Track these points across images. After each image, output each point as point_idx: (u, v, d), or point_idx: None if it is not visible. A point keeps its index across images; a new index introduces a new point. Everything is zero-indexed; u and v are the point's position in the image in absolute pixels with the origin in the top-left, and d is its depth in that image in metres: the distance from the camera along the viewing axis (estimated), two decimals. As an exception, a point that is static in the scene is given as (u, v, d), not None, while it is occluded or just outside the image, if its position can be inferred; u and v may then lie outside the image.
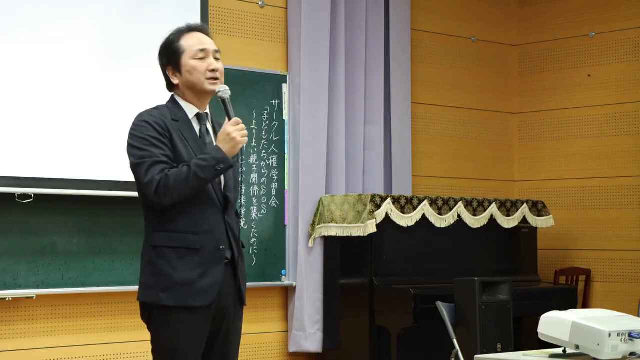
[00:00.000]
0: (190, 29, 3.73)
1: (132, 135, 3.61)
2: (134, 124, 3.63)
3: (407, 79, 7.40)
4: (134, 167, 3.59)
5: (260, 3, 6.73)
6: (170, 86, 3.73)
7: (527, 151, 8.12)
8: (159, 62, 3.75)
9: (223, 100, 3.65)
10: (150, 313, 3.61)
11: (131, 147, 3.60)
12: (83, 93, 5.74)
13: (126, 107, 5.74)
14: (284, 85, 6.77)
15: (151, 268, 3.60)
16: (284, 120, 6.76)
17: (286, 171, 6.75)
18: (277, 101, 6.74)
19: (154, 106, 3.72)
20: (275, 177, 6.72)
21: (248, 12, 6.68)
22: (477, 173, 7.94)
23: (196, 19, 5.93)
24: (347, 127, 7.04)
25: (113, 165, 5.71)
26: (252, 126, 6.62)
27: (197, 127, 3.69)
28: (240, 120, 3.60)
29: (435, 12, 7.76)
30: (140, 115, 3.66)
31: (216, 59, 3.68)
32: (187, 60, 3.65)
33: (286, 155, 6.76)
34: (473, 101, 7.95)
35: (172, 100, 3.72)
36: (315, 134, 6.78)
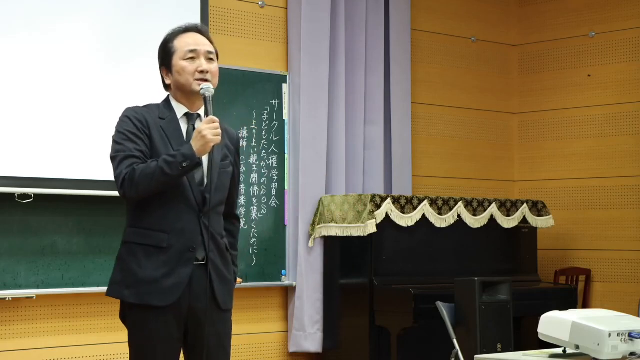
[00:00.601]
0: (186, 29, 3.72)
1: (115, 130, 3.65)
2: (119, 119, 3.67)
3: (407, 79, 7.40)
4: (111, 161, 3.63)
5: (260, 3, 6.73)
6: (166, 86, 3.74)
7: (527, 151, 8.12)
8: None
9: (204, 98, 3.62)
10: (124, 310, 3.64)
11: (112, 142, 3.64)
12: (83, 93, 5.74)
13: (126, 107, 5.73)
14: (284, 85, 6.77)
15: (120, 264, 3.61)
16: (284, 120, 6.76)
17: (286, 171, 6.75)
18: (277, 101, 6.74)
19: (145, 104, 3.73)
20: (275, 177, 6.72)
21: (248, 12, 6.68)
22: (477, 173, 7.94)
23: (196, 19, 5.93)
24: (347, 127, 7.04)
25: (113, 165, 5.71)
26: (252, 126, 6.62)
27: (185, 127, 3.67)
28: (216, 119, 3.56)
29: (435, 12, 7.76)
30: (125, 110, 3.68)
31: (209, 59, 3.66)
32: (177, 61, 3.65)
33: (286, 155, 6.76)
34: (473, 101, 7.95)
35: (166, 99, 3.73)
36: (315, 134, 6.78)
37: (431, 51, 7.72)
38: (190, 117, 3.68)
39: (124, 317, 3.65)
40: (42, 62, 5.61)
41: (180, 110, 3.68)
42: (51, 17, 5.65)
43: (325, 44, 6.85)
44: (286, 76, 6.78)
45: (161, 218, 3.57)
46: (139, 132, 3.58)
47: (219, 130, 3.54)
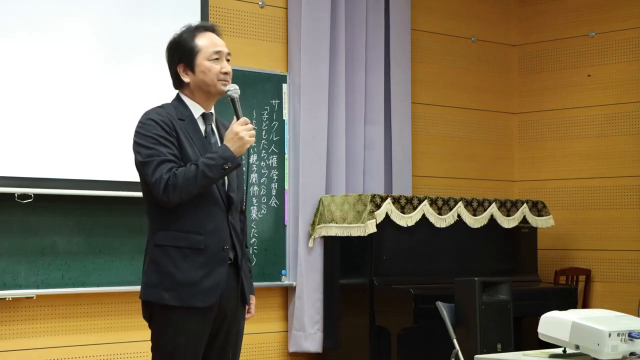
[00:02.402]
0: (204, 28, 3.72)
1: (138, 133, 3.60)
2: (140, 122, 3.62)
3: (407, 79, 7.40)
4: (141, 166, 3.58)
5: (260, 3, 6.73)
6: (179, 84, 3.72)
7: (527, 151, 8.13)
8: (167, 58, 3.71)
9: (232, 100, 3.66)
10: (152, 311, 3.62)
11: (138, 145, 3.59)
12: (83, 93, 5.74)
13: (126, 107, 5.74)
14: (284, 85, 6.77)
15: (155, 267, 3.59)
16: (284, 120, 6.76)
17: (286, 171, 6.75)
18: (277, 101, 6.74)
19: (159, 104, 3.70)
20: (275, 177, 6.72)
21: (248, 12, 6.68)
22: (477, 173, 7.94)
23: (196, 19, 5.93)
24: (347, 127, 7.04)
25: (113, 165, 5.72)
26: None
27: (202, 127, 3.68)
28: (249, 120, 3.61)
29: (435, 12, 7.76)
30: (147, 113, 3.64)
31: (227, 60, 3.70)
32: (202, 61, 3.65)
33: (286, 155, 6.76)
34: (473, 101, 7.95)
35: (178, 98, 3.71)
36: (315, 134, 6.78)
37: (431, 51, 7.72)
38: (206, 118, 3.70)
39: (149, 317, 3.64)
40: (42, 62, 5.61)
41: (196, 110, 3.68)
42: (51, 17, 5.65)
43: (325, 44, 6.85)
44: (286, 76, 6.78)
45: (194, 220, 3.58)
46: (168, 136, 3.57)
47: (254, 132, 3.60)
